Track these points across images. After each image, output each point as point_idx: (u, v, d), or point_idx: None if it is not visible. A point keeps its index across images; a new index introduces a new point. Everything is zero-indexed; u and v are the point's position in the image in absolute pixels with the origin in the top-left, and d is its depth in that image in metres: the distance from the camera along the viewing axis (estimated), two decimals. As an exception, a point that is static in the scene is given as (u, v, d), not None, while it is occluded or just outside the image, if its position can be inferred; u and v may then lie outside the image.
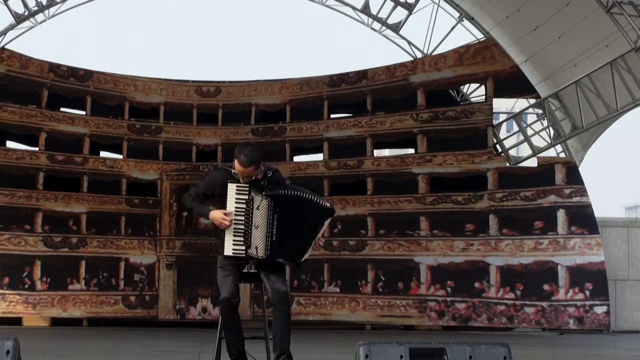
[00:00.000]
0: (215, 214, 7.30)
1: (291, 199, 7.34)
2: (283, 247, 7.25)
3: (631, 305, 19.02)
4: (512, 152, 20.29)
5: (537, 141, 19.06)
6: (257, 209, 7.23)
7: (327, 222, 7.42)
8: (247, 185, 7.32)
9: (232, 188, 7.33)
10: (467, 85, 20.11)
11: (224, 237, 7.32)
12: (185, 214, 19.37)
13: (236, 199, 7.30)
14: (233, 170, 7.39)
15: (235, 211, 7.28)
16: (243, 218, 7.27)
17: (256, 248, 7.21)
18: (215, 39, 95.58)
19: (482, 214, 19.13)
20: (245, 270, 7.51)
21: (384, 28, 20.24)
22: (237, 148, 7.41)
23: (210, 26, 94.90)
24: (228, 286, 7.26)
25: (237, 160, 7.34)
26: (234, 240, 7.31)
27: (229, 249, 7.32)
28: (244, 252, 7.29)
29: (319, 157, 20.16)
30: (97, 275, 19.34)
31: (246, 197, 7.28)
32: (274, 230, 7.21)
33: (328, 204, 7.41)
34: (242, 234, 7.26)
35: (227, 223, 7.24)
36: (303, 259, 7.36)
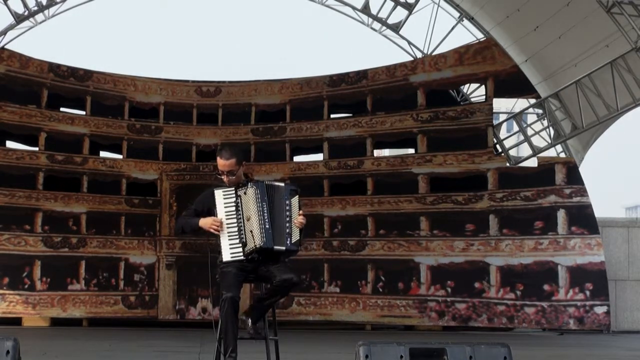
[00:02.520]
0: (206, 220, 7.38)
1: (272, 188, 7.42)
2: (277, 234, 7.26)
3: (631, 305, 19.01)
4: (512, 152, 20.29)
5: (537, 141, 19.05)
6: (246, 196, 7.28)
7: (296, 201, 7.42)
8: (232, 189, 7.36)
9: (218, 194, 7.41)
10: (467, 85, 20.10)
11: (221, 243, 7.35)
12: (184, 214, 19.32)
13: (225, 203, 7.35)
14: (218, 175, 7.45)
15: (226, 216, 7.31)
16: (235, 220, 7.31)
17: (253, 238, 7.21)
18: (215, 39, 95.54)
19: (482, 214, 19.12)
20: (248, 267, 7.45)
21: (384, 28, 20.24)
22: (218, 148, 7.59)
23: (210, 26, 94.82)
24: (231, 284, 7.27)
25: (218, 157, 7.48)
26: (230, 245, 7.33)
27: (227, 254, 7.34)
28: (241, 253, 7.29)
29: (319, 157, 20.16)
30: (97, 276, 19.34)
31: (233, 198, 7.32)
32: (266, 217, 7.23)
33: (285, 184, 7.55)
34: (236, 236, 7.29)
35: (217, 226, 7.28)
36: (293, 240, 7.34)
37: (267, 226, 7.24)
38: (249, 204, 7.27)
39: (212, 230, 7.34)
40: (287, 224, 7.33)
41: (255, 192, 7.29)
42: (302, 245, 7.54)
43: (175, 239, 19.58)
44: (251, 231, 7.23)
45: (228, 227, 7.32)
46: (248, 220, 7.26)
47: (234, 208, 7.32)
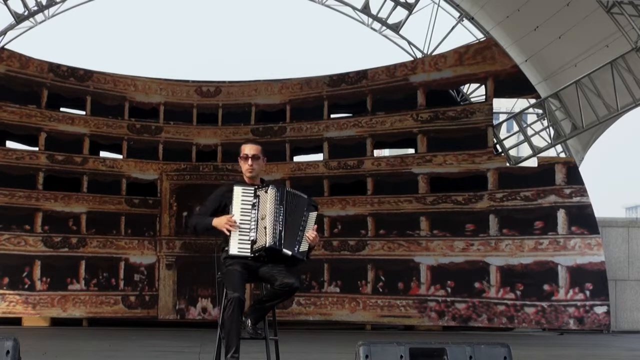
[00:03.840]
0: (220, 219, 7.31)
1: (291, 194, 7.41)
2: (287, 238, 7.25)
3: (631, 305, 19.01)
4: (512, 152, 20.28)
5: (537, 141, 19.05)
6: (266, 195, 7.26)
7: (313, 216, 7.43)
8: (251, 188, 7.34)
9: (237, 190, 7.37)
10: (467, 85, 20.10)
11: (230, 237, 7.30)
12: (185, 213, 19.37)
13: (242, 201, 7.31)
14: (242, 160, 7.46)
15: (241, 213, 7.28)
16: (249, 217, 7.26)
17: (265, 236, 7.18)
18: (215, 39, 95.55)
19: (482, 214, 19.12)
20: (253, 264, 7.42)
21: (384, 28, 20.24)
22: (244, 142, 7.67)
23: (210, 26, 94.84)
24: (237, 285, 7.23)
25: (244, 145, 7.56)
26: (239, 240, 7.28)
27: (234, 248, 7.28)
28: (249, 250, 7.25)
29: (319, 157, 20.16)
30: (97, 275, 19.35)
31: (251, 198, 7.29)
32: (281, 220, 7.22)
33: (308, 197, 7.56)
34: (247, 233, 7.25)
35: (231, 227, 7.24)
36: (301, 249, 7.33)
37: (280, 228, 7.21)
38: (266, 204, 7.24)
39: (224, 230, 7.30)
40: (300, 233, 7.33)
41: (275, 194, 7.26)
42: (309, 259, 7.49)
43: (175, 238, 19.60)
44: (265, 227, 7.20)
45: (241, 223, 7.28)
46: (262, 219, 7.23)
47: (250, 206, 7.27)
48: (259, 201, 7.27)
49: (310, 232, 7.36)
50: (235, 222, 7.26)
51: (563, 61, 17.72)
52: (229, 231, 7.26)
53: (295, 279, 7.29)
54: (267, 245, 7.18)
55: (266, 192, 7.28)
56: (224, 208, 7.40)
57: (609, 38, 15.91)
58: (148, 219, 19.75)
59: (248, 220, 7.26)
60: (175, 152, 20.15)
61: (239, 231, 7.27)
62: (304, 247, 7.35)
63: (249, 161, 7.45)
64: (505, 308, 18.76)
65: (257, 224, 7.23)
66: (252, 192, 7.32)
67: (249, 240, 7.24)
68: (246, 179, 7.51)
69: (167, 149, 20.13)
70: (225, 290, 7.25)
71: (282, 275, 7.24)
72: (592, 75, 16.46)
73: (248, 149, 7.49)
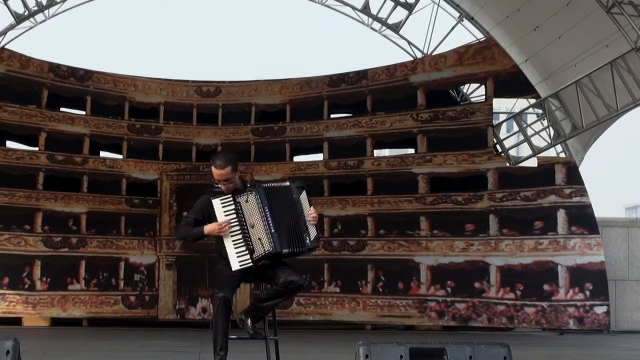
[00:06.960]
0: (212, 225, 7.28)
1: (272, 190, 7.35)
2: (284, 238, 7.21)
3: (631, 305, 19.02)
4: (512, 152, 20.28)
5: (537, 141, 19.05)
6: (247, 204, 7.19)
7: (305, 196, 7.36)
8: (229, 196, 7.29)
9: (216, 203, 7.31)
10: (467, 85, 20.10)
11: (227, 253, 7.26)
12: (185, 213, 19.33)
13: (224, 211, 7.26)
14: (215, 186, 7.39)
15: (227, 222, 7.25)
16: (237, 227, 7.23)
17: (261, 244, 7.14)
18: (215, 39, 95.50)
19: (482, 214, 19.12)
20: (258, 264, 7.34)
21: (384, 28, 20.24)
22: (211, 157, 7.51)
23: (210, 26, 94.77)
24: (225, 284, 7.22)
25: (213, 167, 7.42)
26: (237, 253, 7.23)
27: (235, 264, 7.22)
28: (250, 260, 7.21)
29: (319, 157, 20.16)
30: (97, 275, 19.34)
31: (232, 205, 7.24)
32: (270, 222, 7.17)
33: (291, 182, 7.45)
34: (242, 243, 7.21)
35: (227, 228, 7.20)
36: (313, 237, 7.29)
37: (272, 231, 7.16)
38: (251, 211, 7.17)
39: (221, 235, 7.25)
40: (304, 222, 7.28)
41: (256, 198, 7.20)
42: (321, 239, 7.46)
43: (175, 238, 19.57)
44: (259, 238, 7.14)
45: (232, 235, 7.24)
46: (252, 227, 7.17)
47: (234, 215, 7.22)
48: (242, 209, 7.21)
49: (311, 214, 7.32)
50: (226, 222, 7.20)
51: (563, 61, 17.72)
52: (225, 234, 7.21)
53: (299, 276, 7.27)
54: (266, 253, 7.15)
55: (247, 200, 7.20)
56: (209, 218, 7.34)
57: (609, 38, 15.91)
58: (148, 219, 19.74)
59: (238, 230, 7.21)
60: (175, 152, 20.15)
61: (234, 244, 7.22)
62: (313, 233, 7.30)
63: (222, 186, 7.37)
64: (505, 308, 18.76)
65: (249, 233, 7.18)
66: (231, 199, 7.27)
67: (246, 250, 7.20)
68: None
69: (167, 149, 20.12)
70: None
71: (286, 273, 7.21)
72: (592, 75, 16.46)
73: (217, 175, 7.35)
